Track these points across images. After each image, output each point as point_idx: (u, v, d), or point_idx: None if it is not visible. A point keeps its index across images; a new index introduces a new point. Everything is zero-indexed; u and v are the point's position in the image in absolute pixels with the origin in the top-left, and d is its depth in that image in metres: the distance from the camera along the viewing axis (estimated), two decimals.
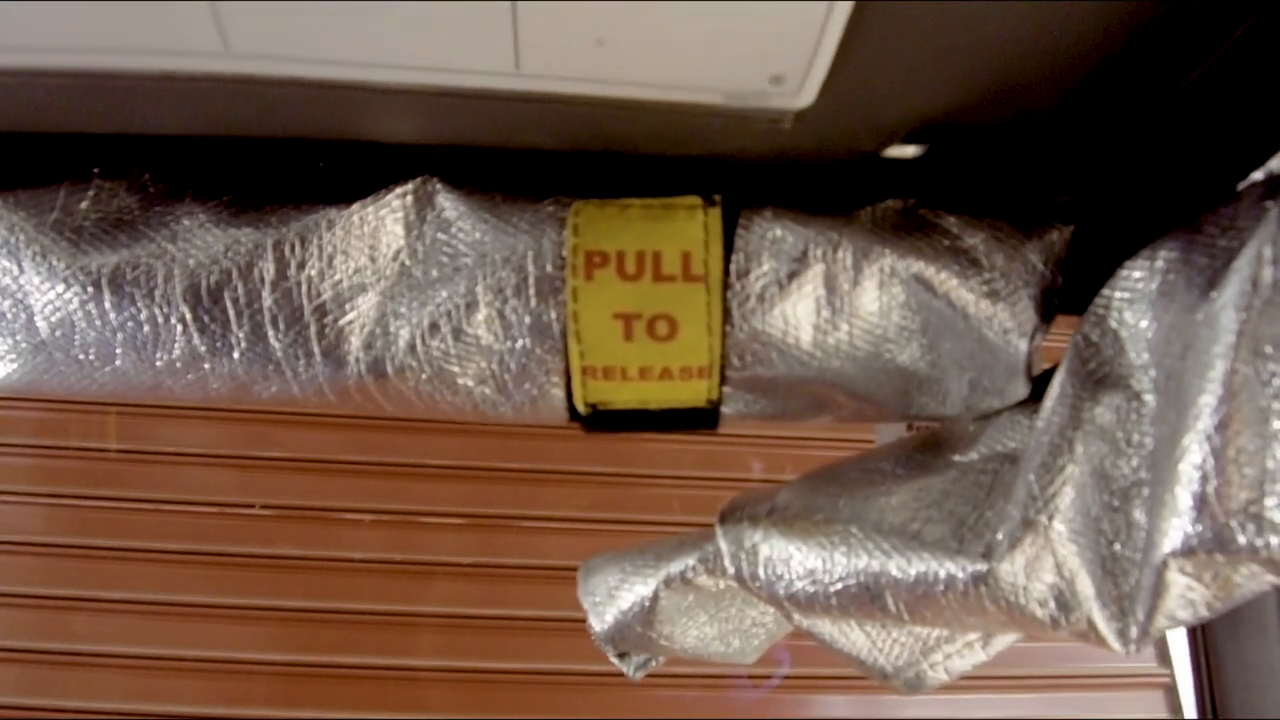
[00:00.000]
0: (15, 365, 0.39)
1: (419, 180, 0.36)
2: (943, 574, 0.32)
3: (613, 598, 0.40)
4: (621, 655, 0.43)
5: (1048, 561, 0.31)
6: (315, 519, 1.28)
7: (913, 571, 0.32)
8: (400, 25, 0.29)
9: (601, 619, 0.40)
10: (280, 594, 1.26)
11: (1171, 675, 1.26)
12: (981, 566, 0.31)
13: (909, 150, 0.36)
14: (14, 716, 1.19)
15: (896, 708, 1.30)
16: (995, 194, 0.37)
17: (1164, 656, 1.29)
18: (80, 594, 1.21)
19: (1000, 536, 0.31)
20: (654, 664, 0.43)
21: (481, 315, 0.35)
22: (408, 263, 0.36)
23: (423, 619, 1.29)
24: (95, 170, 0.37)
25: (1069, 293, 0.37)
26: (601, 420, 0.37)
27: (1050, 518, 0.30)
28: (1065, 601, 0.31)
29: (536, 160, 0.37)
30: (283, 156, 0.37)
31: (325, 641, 1.26)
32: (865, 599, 0.34)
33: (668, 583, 0.39)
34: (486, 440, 1.35)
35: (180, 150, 0.37)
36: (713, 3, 0.28)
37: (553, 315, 0.35)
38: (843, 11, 0.29)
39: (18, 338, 0.38)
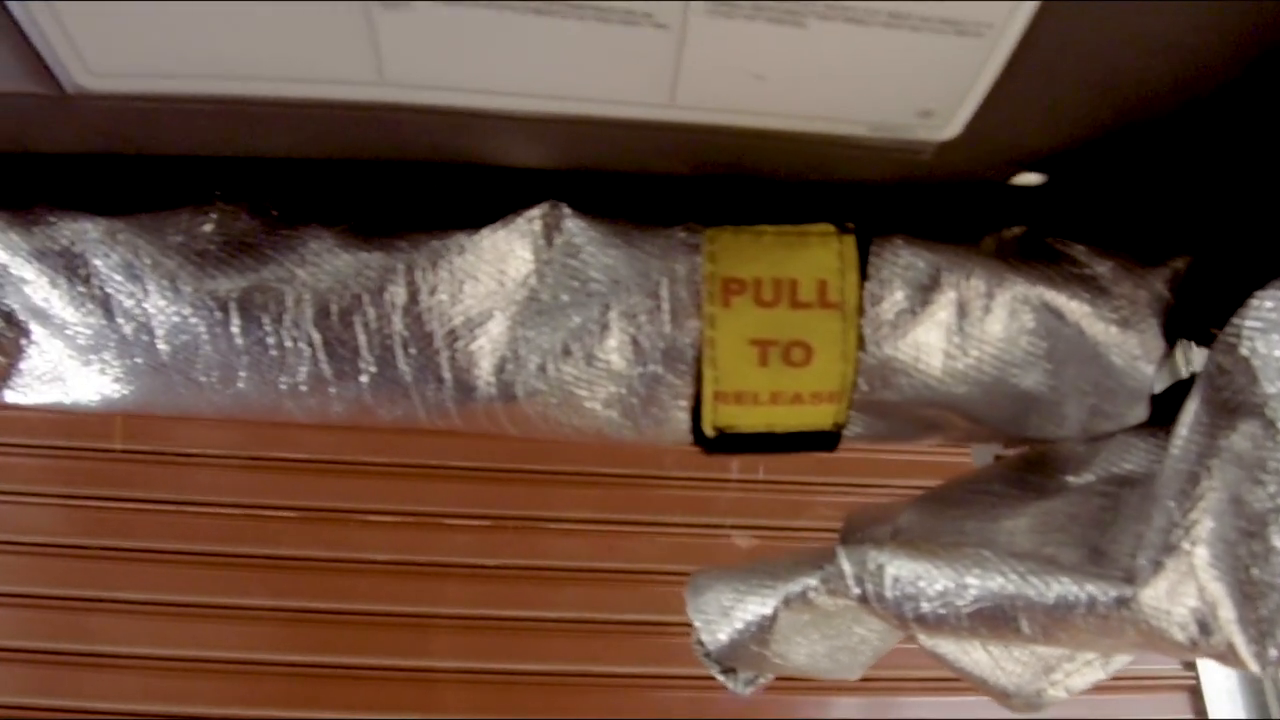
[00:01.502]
0: (132, 386, 0.38)
1: (547, 205, 0.36)
2: (1083, 597, 0.32)
3: (727, 615, 0.40)
4: (725, 671, 0.44)
5: (1190, 586, 0.31)
6: (328, 520, 1.28)
7: (1051, 595, 0.33)
8: (562, 57, 0.29)
9: (714, 636, 0.41)
10: (295, 595, 1.25)
11: (1196, 678, 1.28)
12: (1126, 591, 0.32)
13: (1033, 178, 0.36)
14: (29, 717, 1.18)
15: (913, 708, 1.32)
16: (1116, 222, 0.37)
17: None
18: (95, 595, 1.20)
19: (1142, 561, 0.32)
20: (761, 680, 0.44)
21: (614, 341, 0.35)
22: (537, 287, 0.36)
23: (438, 620, 1.29)
24: (217, 194, 0.37)
25: (1184, 320, 0.37)
26: (725, 443, 0.37)
27: (1193, 544, 0.31)
28: (1207, 625, 0.31)
29: (661, 185, 0.37)
30: (404, 180, 0.37)
31: (340, 642, 1.26)
32: (999, 621, 0.35)
33: (787, 602, 0.39)
34: (499, 442, 1.34)
35: (301, 173, 0.37)
36: (879, 39, 0.28)
37: (686, 341, 0.35)
38: (1004, 50, 0.29)
39: (138, 360, 0.37)
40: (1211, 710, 1.28)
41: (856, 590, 0.37)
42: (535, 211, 0.36)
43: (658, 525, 1.37)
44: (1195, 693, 1.29)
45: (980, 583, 0.35)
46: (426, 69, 0.30)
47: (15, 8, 0.28)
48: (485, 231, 0.35)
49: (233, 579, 1.22)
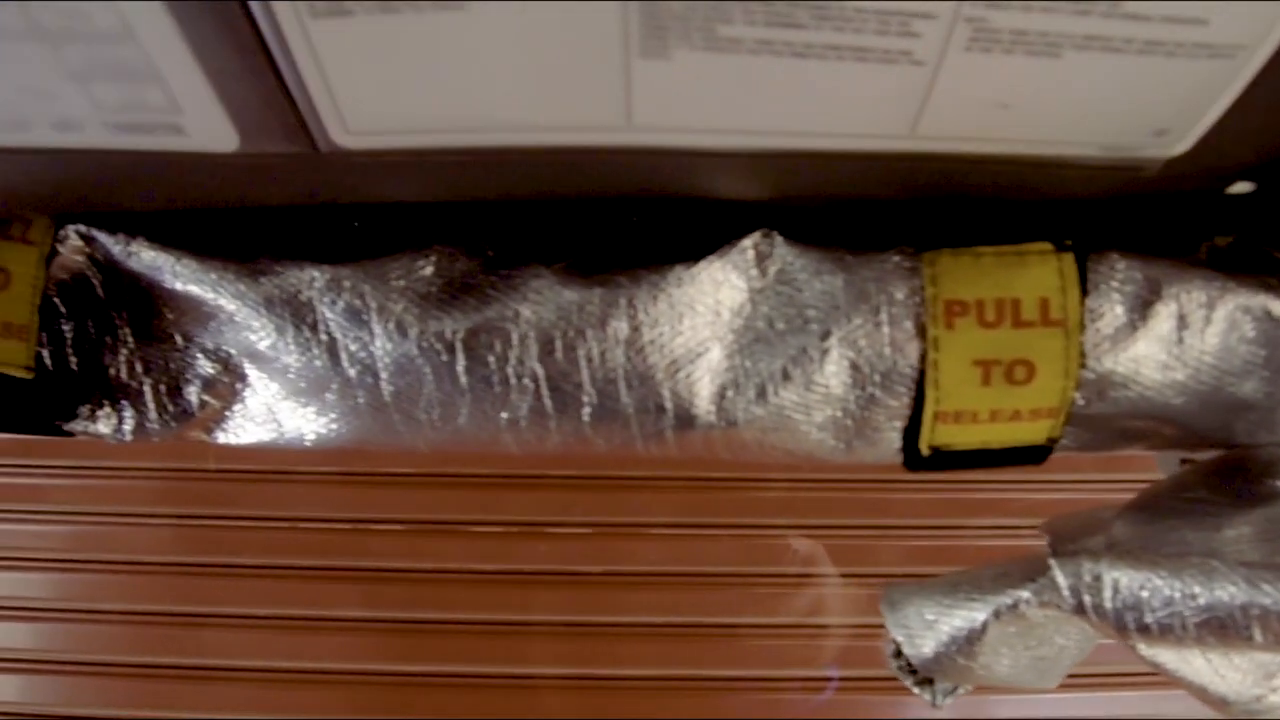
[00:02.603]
0: (350, 425, 0.40)
1: (759, 234, 0.36)
2: None
3: (932, 629, 0.41)
4: (920, 683, 0.44)
5: None
6: (422, 532, 1.30)
7: None
8: (812, 96, 0.30)
9: (919, 649, 0.41)
10: (394, 605, 1.28)
11: None
12: None
13: (1244, 186, 0.36)
14: None
15: (999, 706, 1.31)
16: None
17: None
18: (205, 610, 1.23)
19: None
20: (960, 692, 0.44)
21: (833, 365, 0.36)
22: (753, 316, 0.36)
23: (533, 627, 1.30)
24: (434, 238, 0.38)
25: None
26: (938, 461, 0.37)
27: None
28: None
29: (863, 209, 0.37)
30: (611, 216, 0.38)
31: (440, 651, 1.28)
32: (1229, 630, 0.35)
33: (997, 614, 0.40)
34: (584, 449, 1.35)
35: (516, 213, 0.38)
36: (1129, 65, 0.29)
37: (906, 363, 0.36)
38: (1250, 70, 0.29)
39: (360, 400, 0.39)
40: None
41: (1072, 602, 0.38)
42: (748, 241, 0.36)
43: (734, 528, 1.38)
44: None
45: (1209, 592, 0.35)
46: (675, 113, 0.31)
47: (286, 70, 0.29)
48: (702, 264, 0.36)
49: (334, 592, 1.25)
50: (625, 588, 1.33)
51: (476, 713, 1.28)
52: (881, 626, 0.44)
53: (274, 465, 1.22)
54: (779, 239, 0.36)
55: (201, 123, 0.31)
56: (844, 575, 1.32)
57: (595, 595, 1.32)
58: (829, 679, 1.31)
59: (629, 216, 0.39)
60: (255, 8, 0.27)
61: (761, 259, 0.36)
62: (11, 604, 1.21)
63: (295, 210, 0.38)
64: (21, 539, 1.20)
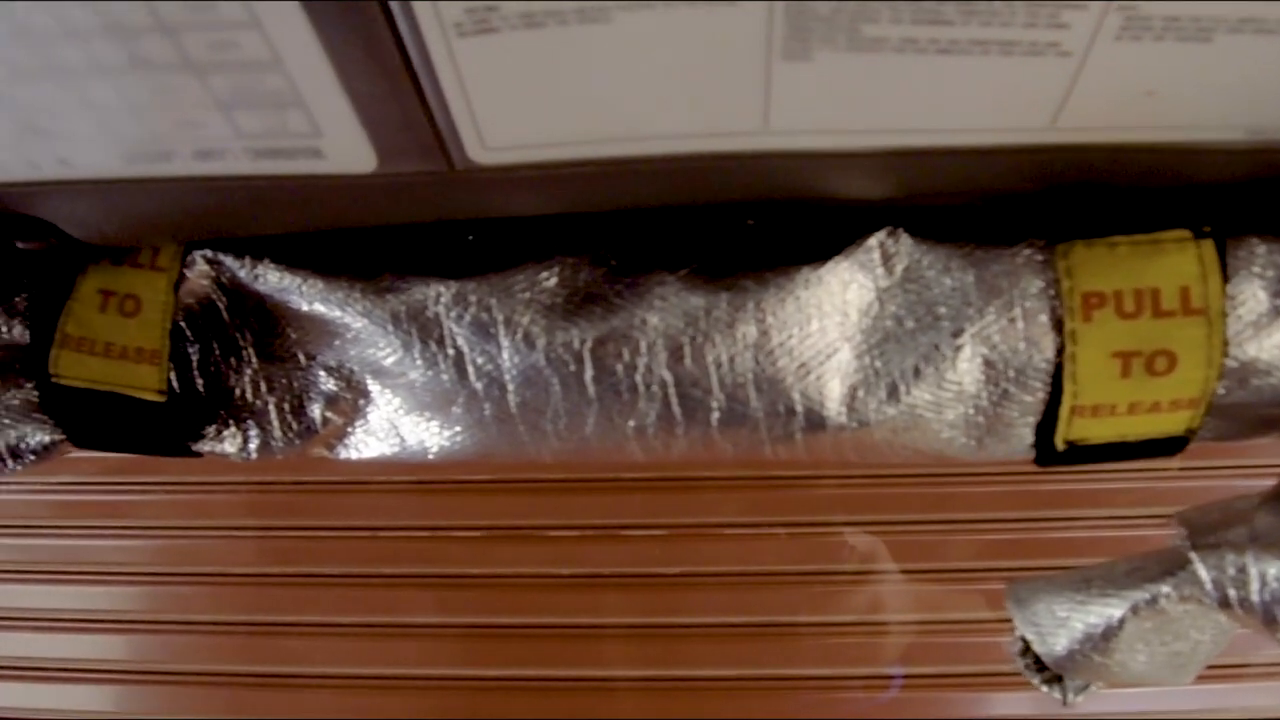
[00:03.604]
0: (475, 437, 0.40)
1: (884, 233, 0.36)
2: None
3: (1065, 625, 0.40)
4: (1048, 681, 0.43)
5: None
6: (497, 537, 1.31)
7: None
8: (953, 92, 0.30)
9: (1051, 647, 0.41)
10: (472, 610, 1.29)
11: None
12: None
13: None
14: None
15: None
16: None
17: None
18: (288, 619, 1.26)
19: None
20: (1092, 689, 0.44)
21: (966, 363, 0.36)
22: (882, 315, 0.36)
23: (608, 630, 1.31)
24: (551, 248, 0.38)
25: None
26: (1072, 455, 0.37)
27: None
28: None
29: (991, 203, 0.37)
30: (730, 219, 0.38)
31: (514, 655, 1.29)
32: None
33: (1135, 610, 0.39)
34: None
35: (633, 221, 0.38)
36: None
37: (1041, 358, 0.35)
38: None
39: (486, 412, 0.39)
40: None
41: (1216, 595, 0.37)
42: (873, 240, 0.36)
43: (806, 525, 1.37)
44: None
45: None
46: (812, 115, 0.30)
47: (429, 90, 0.30)
48: (828, 265, 0.36)
49: (412, 598, 1.26)
50: (697, 588, 1.32)
51: (551, 714, 1.28)
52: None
53: (351, 476, 1.24)
54: (905, 236, 0.36)
55: (341, 145, 0.32)
56: (916, 572, 1.30)
57: (667, 596, 1.32)
58: (903, 676, 1.30)
59: (745, 220, 0.39)
60: (403, 30, 0.28)
61: (888, 257, 0.36)
62: (105, 617, 1.25)
63: (415, 227, 0.39)
64: (111, 554, 1.24)
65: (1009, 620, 0.43)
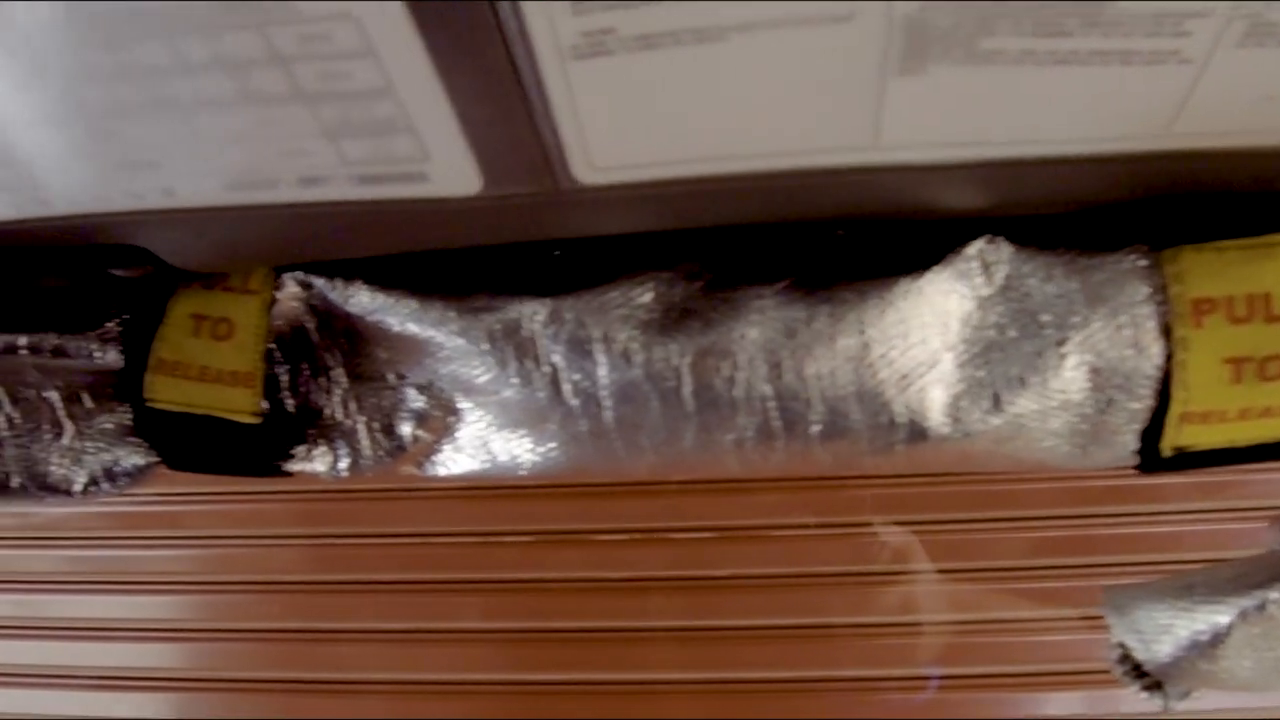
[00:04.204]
0: (570, 452, 0.40)
1: (983, 242, 0.36)
2: None
3: (1168, 632, 0.40)
4: (1149, 687, 0.43)
5: None
6: (545, 543, 1.31)
7: None
8: (1069, 103, 0.29)
9: (1154, 654, 0.40)
10: (522, 616, 1.29)
11: None
12: None
13: None
14: None
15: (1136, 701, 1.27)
16: None
17: None
18: (338, 626, 1.27)
19: None
20: (1193, 695, 0.43)
21: (1071, 371, 0.35)
22: (983, 324, 0.36)
23: (654, 633, 1.31)
24: (642, 264, 0.38)
25: None
26: (1179, 462, 0.36)
27: None
28: None
29: (1092, 210, 0.36)
30: (820, 232, 0.38)
31: (563, 659, 1.29)
32: None
33: (1243, 616, 0.38)
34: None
35: (725, 235, 0.38)
36: None
37: (1149, 365, 0.35)
38: None
39: (581, 428, 0.39)
40: None
41: None
42: (972, 249, 0.36)
43: (846, 526, 1.36)
44: None
45: None
46: (924, 129, 0.30)
47: (539, 112, 0.30)
48: (928, 275, 0.36)
49: (462, 604, 1.27)
50: (744, 591, 1.32)
51: (598, 718, 1.29)
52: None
53: (399, 484, 1.24)
54: (1005, 245, 0.36)
55: (447, 169, 0.32)
56: (956, 571, 1.29)
57: (713, 599, 1.31)
58: (942, 677, 1.29)
59: (834, 231, 0.38)
60: (518, 54, 0.28)
61: (987, 266, 0.36)
62: (158, 626, 1.26)
63: (506, 246, 0.39)
64: (163, 564, 1.25)
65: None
